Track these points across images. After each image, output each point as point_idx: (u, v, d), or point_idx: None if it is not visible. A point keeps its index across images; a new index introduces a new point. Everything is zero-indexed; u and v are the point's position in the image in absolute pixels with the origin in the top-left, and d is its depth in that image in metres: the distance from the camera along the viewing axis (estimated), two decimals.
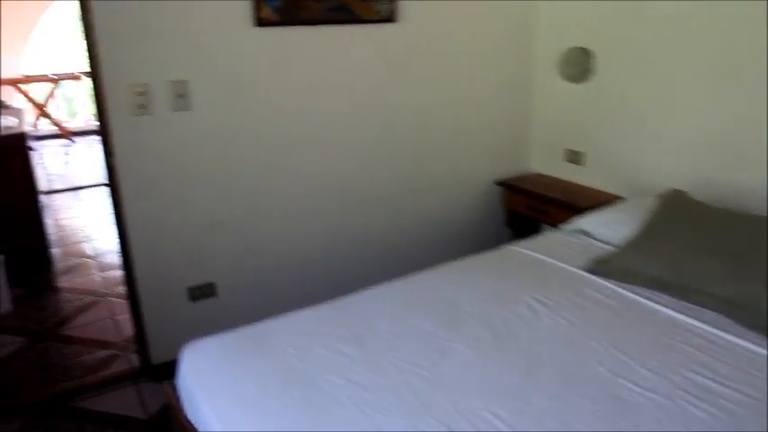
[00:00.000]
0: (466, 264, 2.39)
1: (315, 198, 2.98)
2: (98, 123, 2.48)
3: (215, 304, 2.87)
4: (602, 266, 2.25)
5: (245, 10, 2.57)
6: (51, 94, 8.68)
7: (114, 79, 2.40)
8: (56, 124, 8.75)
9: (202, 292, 2.82)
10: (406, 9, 2.93)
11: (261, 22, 2.60)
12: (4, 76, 8.34)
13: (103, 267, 4.22)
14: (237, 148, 2.72)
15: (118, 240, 2.68)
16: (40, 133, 8.56)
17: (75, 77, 8.92)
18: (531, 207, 3.34)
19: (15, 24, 8.64)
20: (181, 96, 2.53)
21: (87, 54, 2.39)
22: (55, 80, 8.72)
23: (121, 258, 2.71)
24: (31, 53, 9.16)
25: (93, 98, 2.45)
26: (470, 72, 3.25)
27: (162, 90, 2.49)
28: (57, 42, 9.59)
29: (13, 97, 8.46)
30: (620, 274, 2.18)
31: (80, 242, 4.75)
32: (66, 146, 8.69)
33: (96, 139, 8.83)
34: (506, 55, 3.35)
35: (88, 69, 2.42)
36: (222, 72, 2.59)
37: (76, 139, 8.88)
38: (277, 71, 2.72)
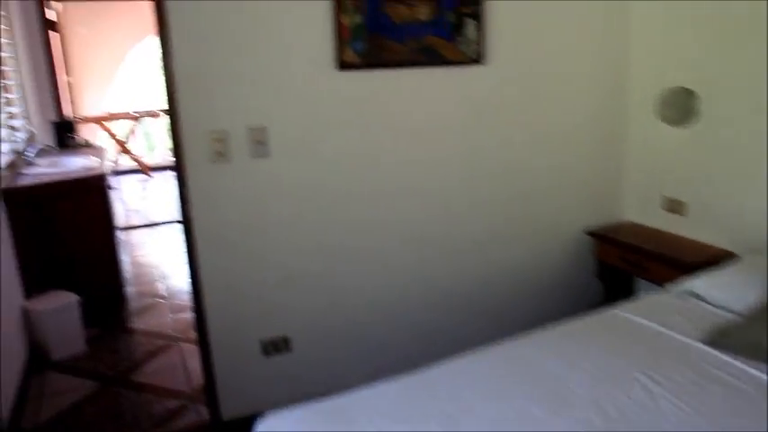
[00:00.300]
0: (566, 331, 2.16)
1: (395, 249, 2.82)
2: (175, 170, 2.41)
3: (289, 359, 2.72)
4: (724, 339, 1.98)
5: (327, 53, 2.47)
6: (132, 131, 8.94)
7: (193, 125, 2.33)
8: (135, 160, 8.98)
9: (276, 346, 2.68)
10: (494, 50, 2.77)
11: (344, 65, 2.49)
12: (88, 114, 8.66)
13: (176, 309, 4.18)
14: (315, 197, 2.60)
15: (191, 287, 2.59)
16: (119, 168, 8.81)
17: (154, 115, 9.17)
18: (624, 259, 3.07)
19: (102, 64, 9.00)
20: (260, 143, 2.43)
21: (167, 99, 2.33)
22: (136, 118, 8.98)
23: (194, 306, 2.61)
24: (115, 91, 9.50)
25: (172, 144, 2.39)
26: (559, 114, 3.05)
27: (240, 136, 2.40)
28: (138, 80, 9.92)
29: (96, 134, 8.78)
30: (747, 348, 1.91)
31: (154, 281, 4.75)
32: (143, 181, 8.91)
33: (172, 174, 9.02)
34: (598, 96, 3.14)
35: (167, 114, 2.36)
36: (302, 118, 2.49)
37: (154, 173, 9.10)
38: (359, 116, 2.60)
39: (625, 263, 3.08)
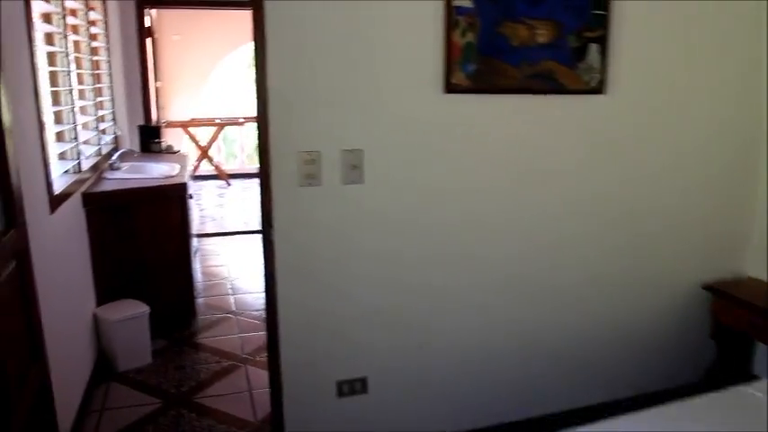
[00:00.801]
0: (689, 411, 1.84)
1: (488, 292, 2.55)
2: (260, 191, 2.23)
3: (364, 401, 2.49)
4: None
5: (435, 75, 2.24)
6: (214, 138, 9.01)
7: (283, 144, 2.15)
8: (215, 166, 9.04)
9: (352, 387, 2.45)
10: (617, 79, 2.48)
11: (451, 88, 2.26)
12: (174, 119, 8.77)
13: (245, 327, 4.03)
14: (408, 229, 2.37)
15: (267, 316, 2.40)
16: (199, 173, 8.88)
17: (237, 123, 9.22)
18: (746, 320, 2.70)
19: (191, 71, 9.14)
20: (354, 168, 2.22)
21: (258, 114, 2.16)
22: (219, 125, 9.05)
23: (268, 336, 2.42)
24: (201, 98, 9.62)
25: (259, 162, 2.21)
26: (681, 154, 2.72)
27: (334, 159, 2.20)
28: (224, 88, 10.03)
29: (180, 139, 8.89)
30: None
31: (225, 294, 4.63)
32: (221, 187, 8.95)
33: (252, 184, 9.18)
34: (732, 135, 2.79)
35: (258, 131, 2.18)
36: (402, 143, 2.27)
37: (232, 181, 9.13)
38: (463, 145, 2.36)
39: (746, 324, 2.71)
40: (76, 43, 3.87)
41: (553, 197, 2.54)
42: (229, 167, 9.58)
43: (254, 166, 9.70)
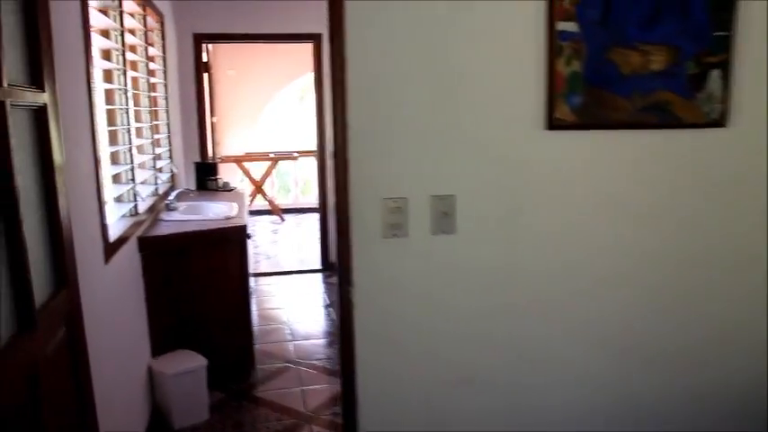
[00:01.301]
0: None
1: (593, 355, 2.21)
2: (338, 244, 1.96)
3: None
4: None
5: (536, 109, 1.96)
6: (268, 172, 8.89)
7: (365, 190, 1.88)
8: (268, 201, 8.91)
9: None
10: (742, 109, 2.14)
11: (554, 123, 1.97)
12: (229, 154, 8.70)
13: (307, 379, 3.75)
14: (505, 285, 2.06)
15: (342, 379, 2.11)
16: (252, 208, 8.75)
17: (291, 157, 9.10)
18: None
19: (246, 105, 9.10)
20: (445, 215, 1.94)
21: (334, 156, 1.91)
22: (273, 159, 8.94)
23: (343, 398, 2.12)
24: (255, 132, 9.56)
25: (336, 212, 1.95)
26: None
27: (422, 206, 1.92)
28: (279, 122, 9.96)
29: (234, 174, 8.80)
30: None
31: (284, 341, 4.37)
32: (275, 223, 8.79)
33: (304, 217, 9.05)
34: None
35: (336, 175, 1.93)
36: (498, 186, 1.98)
37: (286, 216, 8.97)
38: (568, 188, 2.05)
39: None
40: (135, 80, 3.73)
41: (670, 244, 2.20)
42: (282, 202, 9.45)
43: (308, 200, 9.56)
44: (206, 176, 5.05)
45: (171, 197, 3.87)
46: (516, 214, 2.01)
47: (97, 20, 2.79)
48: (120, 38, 3.02)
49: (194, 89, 5.60)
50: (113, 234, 2.64)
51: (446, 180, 1.93)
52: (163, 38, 4.45)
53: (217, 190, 5.01)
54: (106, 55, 2.99)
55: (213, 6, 5.45)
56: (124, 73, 3.07)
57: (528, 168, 1.99)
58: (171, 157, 4.53)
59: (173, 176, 4.56)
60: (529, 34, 1.93)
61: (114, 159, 3.09)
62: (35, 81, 1.54)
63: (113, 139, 3.05)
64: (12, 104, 1.32)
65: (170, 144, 4.51)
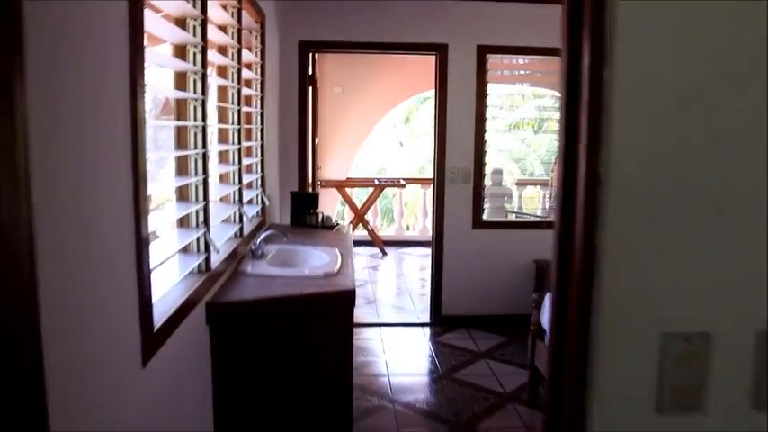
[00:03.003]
0: None
1: None
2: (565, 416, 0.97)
3: None
4: None
5: None
6: (372, 200, 8.04)
7: (623, 314, 0.89)
8: (370, 232, 8.04)
9: None
10: None
11: None
12: (329, 178, 7.93)
13: (405, 420, 2.83)
14: None
15: None
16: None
17: (398, 185, 8.22)
18: None
19: (353, 127, 8.31)
20: None
21: (566, 239, 0.93)
22: (378, 186, 8.10)
23: None
24: (359, 156, 8.76)
25: (565, 360, 0.96)
26: None
27: (739, 352, 0.91)
28: (388, 146, 9.16)
29: (333, 200, 8.03)
30: None
31: (378, 375, 3.41)
32: (375, 256, 7.90)
33: (408, 252, 8.11)
34: None
35: (556, 283, 0.95)
36: None
37: (388, 249, 8.06)
38: None
39: None
40: (222, 90, 2.92)
41: None
42: (384, 233, 8.56)
43: (412, 233, 8.63)
44: (304, 209, 4.20)
45: (258, 239, 3.01)
46: None
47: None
48: (198, 30, 2.20)
49: (297, 106, 4.81)
50: (165, 309, 1.79)
51: None
52: (262, 42, 3.65)
53: (316, 226, 4.15)
54: (181, 52, 2.17)
55: (324, 11, 4.65)
56: (203, 78, 2.24)
57: None
58: (263, 186, 3.72)
59: (263, 209, 3.74)
60: None
61: (183, 195, 2.26)
62: None
63: (183, 167, 2.22)
64: None
65: (262, 170, 3.69)
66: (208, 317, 2.27)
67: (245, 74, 3.19)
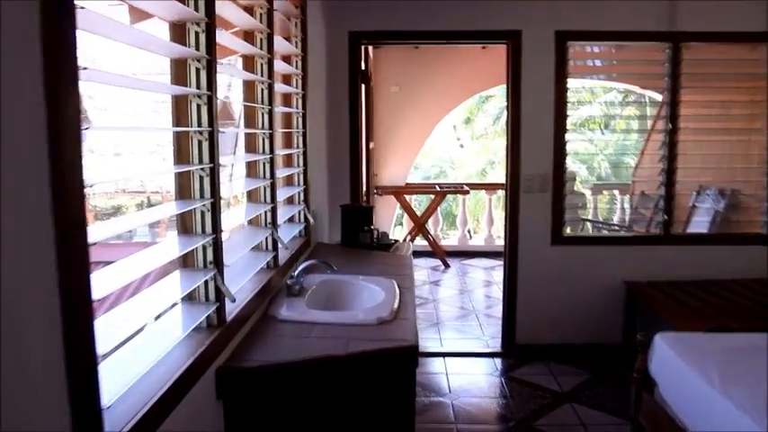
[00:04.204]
0: None
1: None
2: None
3: None
4: None
5: None
6: (433, 208, 7.39)
7: None
8: (430, 242, 7.39)
9: None
10: None
11: None
12: (387, 183, 7.33)
13: None
14: None
15: None
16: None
17: (461, 191, 7.56)
18: None
19: (411, 130, 7.67)
20: None
21: None
22: (440, 192, 7.45)
23: None
24: (418, 160, 8.12)
25: None
26: None
27: None
28: (449, 149, 8.51)
29: (390, 208, 7.44)
30: None
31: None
32: (436, 268, 7.25)
33: (471, 264, 7.37)
34: None
35: None
36: None
37: (450, 261, 7.39)
38: None
39: None
40: (250, 86, 2.35)
41: None
42: (446, 243, 7.89)
43: (476, 242, 7.95)
44: (356, 225, 3.60)
45: (297, 270, 2.42)
46: None
47: None
48: (201, 5, 1.61)
49: (348, 106, 4.22)
50: (140, 400, 1.21)
51: None
52: (303, 31, 3.07)
53: (370, 245, 3.54)
54: (180, 32, 1.60)
55: None
56: (210, 66, 1.65)
57: None
58: (306, 201, 3.13)
59: (307, 228, 3.15)
60: None
61: (186, 226, 1.68)
62: None
63: (184, 189, 1.65)
64: None
65: (305, 182, 3.11)
66: (219, 389, 1.69)
67: (280, 67, 2.61)
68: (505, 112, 4.24)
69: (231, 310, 1.79)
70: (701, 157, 4.39)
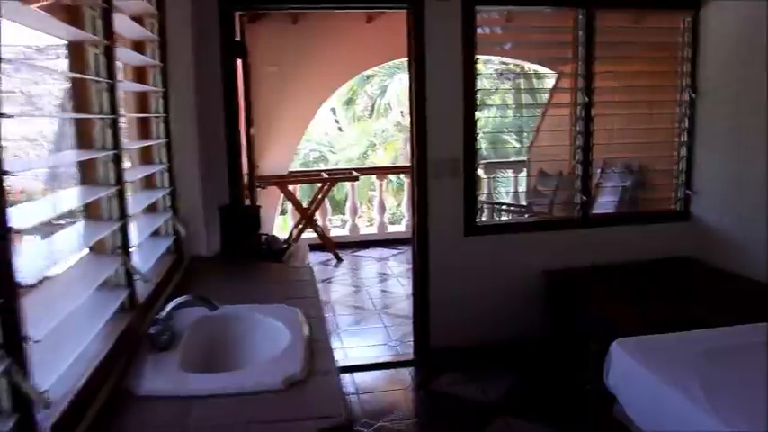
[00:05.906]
0: None
1: None
2: None
3: None
4: None
5: None
6: (322, 197, 6.77)
7: None
8: (320, 234, 6.78)
9: None
10: None
11: None
12: (269, 173, 6.60)
13: None
14: None
15: None
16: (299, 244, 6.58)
17: (350, 178, 6.98)
18: None
19: (293, 113, 6.96)
20: None
21: None
22: (327, 180, 6.83)
23: None
24: (300, 146, 7.43)
25: None
26: None
27: None
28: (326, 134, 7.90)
29: (273, 200, 6.74)
30: None
31: None
32: (328, 263, 6.65)
33: (364, 255, 6.81)
34: None
35: None
36: None
37: (342, 254, 6.81)
38: None
39: None
40: (78, 54, 1.61)
41: None
42: (336, 234, 7.30)
43: (369, 231, 7.44)
44: (240, 231, 2.91)
45: (163, 313, 1.72)
46: None
47: None
48: None
49: (221, 86, 3.47)
50: None
51: None
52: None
53: (259, 254, 2.87)
54: None
55: None
56: None
57: None
58: (174, 206, 2.42)
59: (177, 241, 2.44)
60: None
61: None
62: None
63: None
64: None
65: (171, 182, 2.39)
66: None
67: (125, 26, 1.89)
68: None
69: (47, 415, 1.10)
70: (606, 131, 4.07)
